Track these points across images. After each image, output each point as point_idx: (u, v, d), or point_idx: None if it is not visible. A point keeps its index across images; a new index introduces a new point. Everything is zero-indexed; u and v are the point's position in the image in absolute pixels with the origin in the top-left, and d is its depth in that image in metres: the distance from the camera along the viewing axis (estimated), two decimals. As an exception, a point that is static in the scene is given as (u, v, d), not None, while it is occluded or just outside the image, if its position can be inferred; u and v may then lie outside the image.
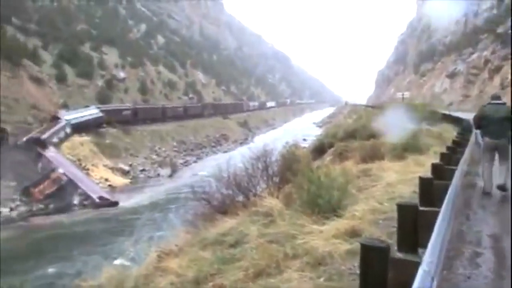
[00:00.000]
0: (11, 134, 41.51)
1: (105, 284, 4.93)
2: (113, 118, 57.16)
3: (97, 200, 38.16)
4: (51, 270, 24.13)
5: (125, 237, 28.46)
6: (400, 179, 8.87)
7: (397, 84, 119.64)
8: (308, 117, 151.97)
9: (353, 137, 19.25)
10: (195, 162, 61.31)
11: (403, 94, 67.94)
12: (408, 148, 13.08)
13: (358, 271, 4.35)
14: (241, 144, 79.06)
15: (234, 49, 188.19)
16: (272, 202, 8.01)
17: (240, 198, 9.69)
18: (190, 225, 10.05)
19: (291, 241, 5.54)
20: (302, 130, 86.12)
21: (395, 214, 6.23)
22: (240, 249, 5.72)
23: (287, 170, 9.82)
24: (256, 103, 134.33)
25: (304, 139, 51.64)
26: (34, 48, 58.05)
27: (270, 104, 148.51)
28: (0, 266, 22.65)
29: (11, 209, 34.91)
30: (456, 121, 28.39)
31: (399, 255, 2.44)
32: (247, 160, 10.89)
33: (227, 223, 7.76)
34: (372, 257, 2.61)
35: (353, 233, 5.45)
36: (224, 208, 9.41)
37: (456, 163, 8.04)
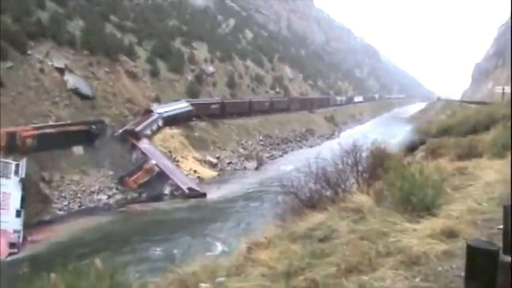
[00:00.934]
0: (109, 126, 44.01)
1: (199, 272, 5.08)
2: (202, 112, 58.77)
3: (187, 191, 39.58)
4: (153, 251, 25.88)
5: (215, 227, 29.53)
6: (500, 179, 8.36)
7: (496, 77, 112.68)
8: (397, 112, 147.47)
9: (447, 133, 18.43)
10: (280, 156, 61.71)
11: (503, 89, 62.25)
12: (509, 146, 12.29)
13: (456, 273, 4.18)
14: (327, 139, 78.38)
15: (322, 43, 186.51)
16: (362, 198, 7.86)
17: (329, 193, 9.58)
18: (278, 218, 10.01)
19: (383, 239, 5.40)
20: (390, 125, 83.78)
21: (495, 215, 5.91)
22: (329, 244, 5.66)
23: (378, 166, 9.57)
24: (343, 98, 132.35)
25: (393, 135, 50.16)
26: (130, 44, 60.83)
27: (357, 98, 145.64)
28: (108, 246, 24.90)
29: (108, 197, 37.17)
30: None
31: (507, 258, 2.29)
32: (336, 155, 10.76)
33: (316, 217, 7.70)
34: (479, 260, 2.48)
35: (450, 234, 5.23)
36: (312, 203, 9.35)
37: None
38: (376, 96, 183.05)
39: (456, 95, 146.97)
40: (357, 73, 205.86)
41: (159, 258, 24.62)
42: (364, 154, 10.55)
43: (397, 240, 5.18)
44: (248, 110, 71.42)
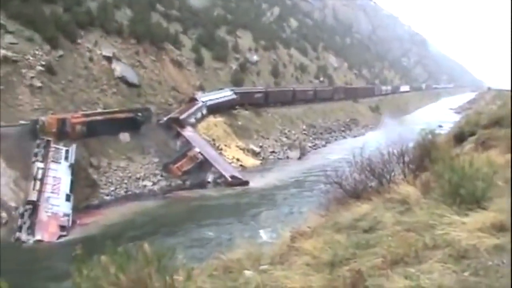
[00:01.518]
0: (154, 114, 44.78)
1: (243, 259, 5.10)
2: (246, 100, 58.94)
3: (229, 179, 39.95)
4: (201, 235, 26.62)
5: (258, 214, 29.80)
6: (555, 172, 8.00)
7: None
8: (445, 102, 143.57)
9: (497, 124, 17.77)
10: (324, 146, 61.35)
11: (558, 79, 59.52)
12: None
13: (507, 268, 4.03)
14: (372, 129, 77.24)
15: (368, 32, 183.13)
16: (409, 190, 7.67)
17: (374, 183, 9.42)
18: (321, 207, 9.81)
19: (430, 231, 5.26)
20: (437, 116, 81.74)
21: (550, 210, 5.65)
22: (375, 235, 5.57)
23: (425, 157, 9.34)
24: (389, 87, 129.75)
25: (440, 126, 48.93)
26: (175, 33, 61.40)
27: (403, 88, 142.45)
28: (158, 230, 25.76)
29: (153, 183, 37.96)
30: None
31: None
32: (382, 146, 10.55)
33: (360, 208, 7.59)
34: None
35: (500, 227, 5.03)
36: (356, 193, 9.22)
37: None
38: (423, 85, 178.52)
39: (507, 85, 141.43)
40: (404, 62, 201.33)
41: (206, 242, 25.14)
42: (410, 145, 10.30)
43: (445, 233, 5.03)
44: (292, 99, 71.09)
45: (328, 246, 5.21)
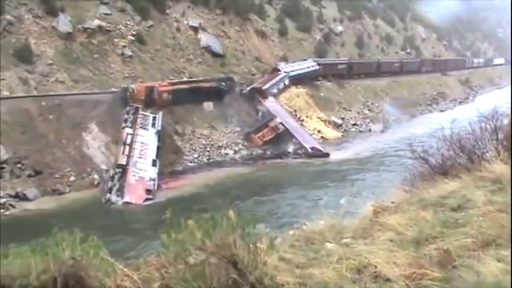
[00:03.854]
0: (237, 84, 45.17)
1: (325, 231, 4.98)
2: (329, 72, 57.91)
3: (310, 150, 39.68)
4: (285, 203, 27.80)
5: (339, 188, 29.55)
6: None
7: None
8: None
9: None
10: (408, 120, 59.10)
11: None
12: None
13: None
14: (461, 103, 73.51)
15: (460, 1, 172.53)
16: (502, 168, 7.10)
17: (463, 160, 8.83)
18: (406, 183, 9.39)
19: (524, 213, 4.81)
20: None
21: None
22: (463, 214, 5.21)
23: (521, 134, 8.61)
24: (481, 60, 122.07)
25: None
26: (260, 4, 61.08)
27: (498, 61, 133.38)
28: (245, 195, 26.57)
29: (235, 152, 38.57)
30: None
31: None
32: (472, 121, 9.85)
33: (448, 185, 7.15)
34: None
35: None
36: (443, 170, 8.71)
37: None
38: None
39: None
40: (499, 33, 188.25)
41: (288, 212, 25.40)
42: (505, 121, 9.52)
43: (540, 215, 4.60)
44: (376, 71, 68.91)
45: (413, 223, 4.95)
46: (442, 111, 64.69)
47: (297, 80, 51.60)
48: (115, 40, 39.29)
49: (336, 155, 39.55)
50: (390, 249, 4.14)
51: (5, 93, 30.77)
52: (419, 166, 9.56)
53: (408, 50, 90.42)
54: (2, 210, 25.11)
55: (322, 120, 49.24)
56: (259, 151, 39.76)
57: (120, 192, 28.90)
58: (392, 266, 3.76)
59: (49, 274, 3.13)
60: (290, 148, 40.77)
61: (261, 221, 3.77)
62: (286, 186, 32.28)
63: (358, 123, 52.87)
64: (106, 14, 40.22)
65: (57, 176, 29.16)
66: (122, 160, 30.65)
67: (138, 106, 34.38)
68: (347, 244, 4.48)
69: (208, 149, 37.64)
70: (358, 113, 55.91)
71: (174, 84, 38.71)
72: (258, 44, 54.17)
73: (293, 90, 50.81)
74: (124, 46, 39.36)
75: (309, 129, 45.75)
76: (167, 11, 45.52)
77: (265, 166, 37.08)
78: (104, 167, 31.01)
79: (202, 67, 44.47)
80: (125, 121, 33.25)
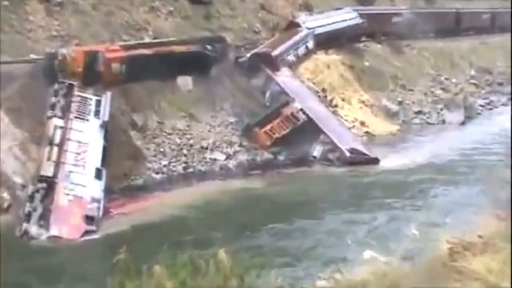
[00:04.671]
0: (231, 47, 44.84)
1: (370, 282, 4.97)
2: (378, 28, 58.63)
3: (348, 154, 39.40)
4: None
5: (394, 209, 29.60)
6: None
7: None
8: None
9: None
10: (504, 105, 59.09)
11: None
12: None
13: None
14: None
15: None
16: None
17: None
18: (499, 205, 9.80)
19: None
20: None
21: None
22: None
23: None
24: None
25: None
26: None
27: None
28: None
29: (228, 157, 38.17)
30: None
31: None
32: None
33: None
34: None
35: None
36: None
37: None
38: None
39: None
40: None
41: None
42: None
43: None
44: (454, 26, 69.89)
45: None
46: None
47: (327, 41, 51.72)
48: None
49: (389, 162, 39.36)
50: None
51: None
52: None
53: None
54: None
55: (367, 106, 49.33)
56: (267, 155, 39.39)
57: (44, 220, 28.53)
58: None
59: None
60: (316, 150, 40.51)
61: (277, 265, 3.58)
62: (319, 207, 32.54)
63: (425, 110, 53.28)
64: None
65: None
66: (47, 170, 30.28)
67: (73, 83, 34.09)
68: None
69: (185, 151, 37.38)
70: (425, 94, 56.33)
71: (130, 47, 38.52)
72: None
73: (321, 57, 50.86)
74: (51, -13, 39.22)
75: (347, 120, 45.68)
76: None
77: (280, 178, 36.89)
78: (18, 180, 30.70)
79: (175, 20, 44.36)
80: (52, 107, 32.90)
